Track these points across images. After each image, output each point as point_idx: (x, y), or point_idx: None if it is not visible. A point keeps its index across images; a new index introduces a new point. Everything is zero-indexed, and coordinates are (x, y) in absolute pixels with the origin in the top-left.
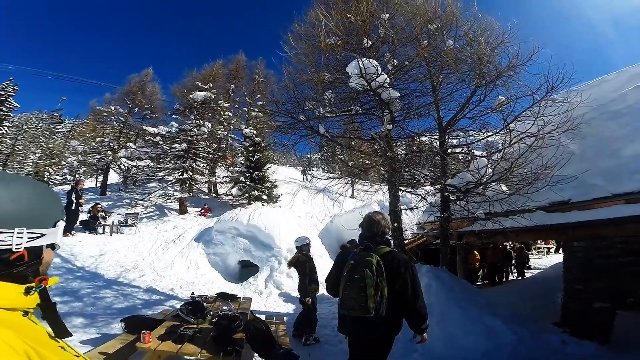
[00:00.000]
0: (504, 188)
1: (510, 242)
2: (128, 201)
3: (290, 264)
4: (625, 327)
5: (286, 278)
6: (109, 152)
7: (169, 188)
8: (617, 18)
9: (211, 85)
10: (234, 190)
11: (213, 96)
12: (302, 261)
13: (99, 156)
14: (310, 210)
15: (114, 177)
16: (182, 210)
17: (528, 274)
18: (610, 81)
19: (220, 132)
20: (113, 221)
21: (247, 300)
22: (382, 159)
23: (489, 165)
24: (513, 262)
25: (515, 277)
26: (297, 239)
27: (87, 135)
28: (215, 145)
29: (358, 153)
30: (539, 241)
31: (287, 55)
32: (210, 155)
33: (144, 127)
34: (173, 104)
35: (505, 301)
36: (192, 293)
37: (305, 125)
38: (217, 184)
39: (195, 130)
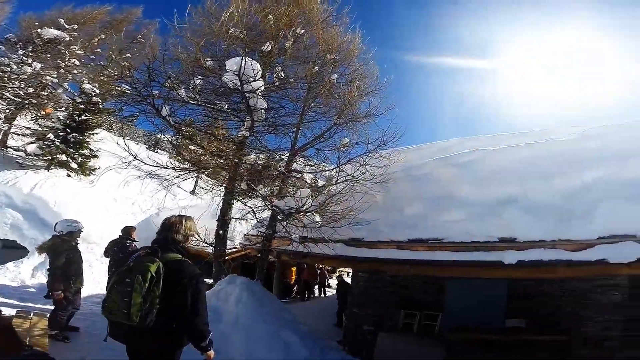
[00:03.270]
0: (317, 219)
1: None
2: None
3: (41, 249)
4: (384, 346)
5: None
6: None
7: None
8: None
9: (76, 26)
10: (32, 147)
11: (68, 38)
12: (58, 249)
13: None
14: (134, 197)
15: None
16: None
17: (329, 292)
18: (425, 149)
19: (50, 76)
20: None
21: None
22: (227, 163)
23: (309, 197)
24: (317, 280)
25: (318, 295)
26: (60, 221)
27: None
28: (32, 90)
29: (201, 149)
30: None
31: (178, 26)
32: (19, 100)
33: None
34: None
35: (305, 316)
36: None
37: (148, 101)
38: (11, 134)
39: (15, 67)
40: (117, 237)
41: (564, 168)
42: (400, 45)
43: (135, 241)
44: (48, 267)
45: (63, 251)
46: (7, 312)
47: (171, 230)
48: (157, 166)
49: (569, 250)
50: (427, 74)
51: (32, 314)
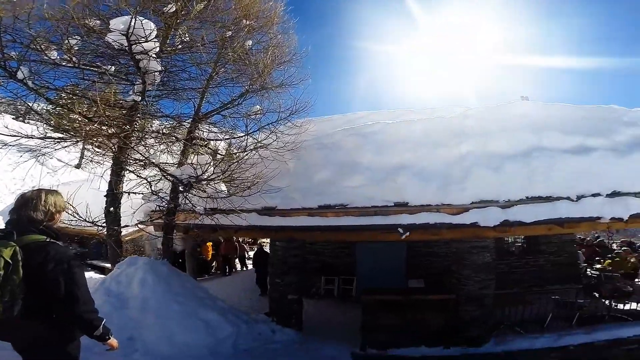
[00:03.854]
0: (223, 187)
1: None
2: None
3: None
4: (310, 313)
5: None
6: None
7: None
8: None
9: None
10: None
11: None
12: None
13: None
14: None
15: None
16: None
17: (250, 265)
18: (335, 120)
19: None
20: None
21: None
22: (115, 130)
23: (210, 164)
24: (237, 254)
25: (240, 269)
26: None
27: None
28: None
29: (78, 114)
30: None
31: None
32: None
33: None
34: None
35: (228, 292)
36: None
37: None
38: None
39: None
40: None
41: (447, 140)
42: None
43: None
44: None
45: None
46: None
47: (27, 207)
48: (17, 136)
49: (450, 214)
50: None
51: None
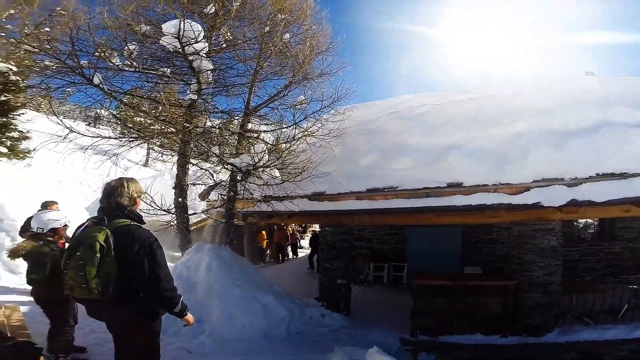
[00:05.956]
0: (277, 173)
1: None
2: None
3: (16, 253)
4: (359, 299)
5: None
6: None
7: None
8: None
9: None
10: None
11: None
12: (39, 253)
13: None
14: (80, 176)
15: None
16: None
17: (302, 253)
18: (378, 106)
19: None
20: None
21: None
22: (177, 127)
23: (266, 151)
24: (289, 242)
25: (292, 257)
26: (36, 215)
27: None
28: None
29: (146, 115)
30: None
31: None
32: None
33: None
34: None
35: (281, 278)
36: None
37: (76, 71)
38: None
39: None
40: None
41: (500, 118)
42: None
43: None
44: (28, 276)
45: (46, 256)
46: None
47: (114, 194)
48: (97, 137)
49: (509, 194)
50: (380, 37)
51: (2, 307)
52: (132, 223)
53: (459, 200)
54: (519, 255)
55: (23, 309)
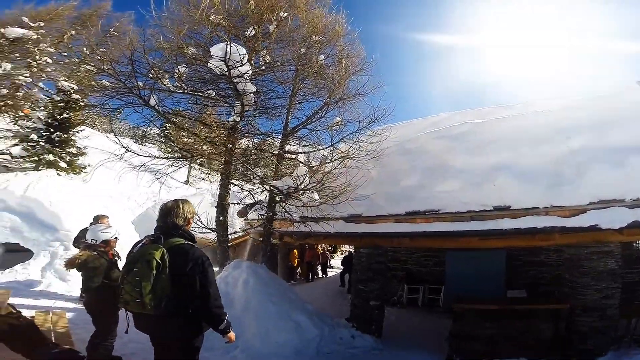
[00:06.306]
0: (316, 197)
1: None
2: None
3: (71, 263)
4: (392, 321)
5: (59, 281)
6: None
7: None
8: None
9: (42, 24)
10: (17, 150)
11: (35, 36)
12: (93, 264)
13: None
14: (128, 191)
15: None
16: None
17: (331, 273)
18: (416, 124)
19: (22, 76)
20: None
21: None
22: (221, 149)
23: (307, 175)
24: (319, 261)
25: (320, 276)
26: (91, 228)
27: None
28: (5, 91)
29: (195, 136)
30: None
31: (157, 16)
32: None
33: None
34: None
35: (311, 297)
36: None
37: (134, 92)
38: None
39: None
40: (88, 225)
41: (550, 136)
42: (386, 22)
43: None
44: (84, 284)
45: (101, 266)
46: (25, 312)
47: (170, 215)
48: (150, 157)
49: (562, 216)
50: (414, 52)
51: (50, 313)
52: (186, 242)
53: (507, 223)
54: (572, 279)
55: (68, 315)
